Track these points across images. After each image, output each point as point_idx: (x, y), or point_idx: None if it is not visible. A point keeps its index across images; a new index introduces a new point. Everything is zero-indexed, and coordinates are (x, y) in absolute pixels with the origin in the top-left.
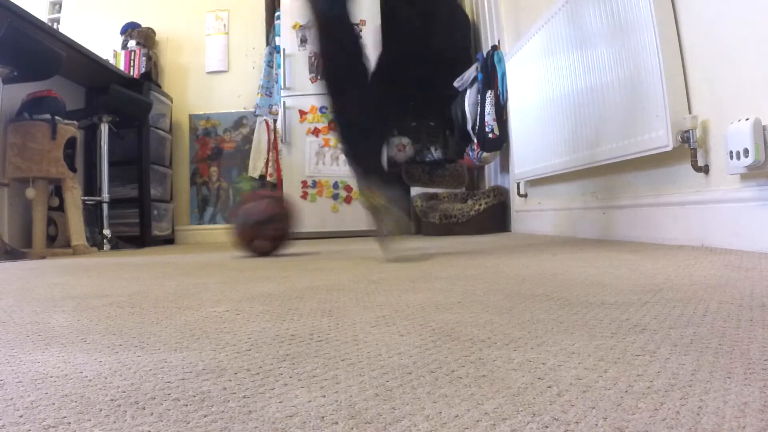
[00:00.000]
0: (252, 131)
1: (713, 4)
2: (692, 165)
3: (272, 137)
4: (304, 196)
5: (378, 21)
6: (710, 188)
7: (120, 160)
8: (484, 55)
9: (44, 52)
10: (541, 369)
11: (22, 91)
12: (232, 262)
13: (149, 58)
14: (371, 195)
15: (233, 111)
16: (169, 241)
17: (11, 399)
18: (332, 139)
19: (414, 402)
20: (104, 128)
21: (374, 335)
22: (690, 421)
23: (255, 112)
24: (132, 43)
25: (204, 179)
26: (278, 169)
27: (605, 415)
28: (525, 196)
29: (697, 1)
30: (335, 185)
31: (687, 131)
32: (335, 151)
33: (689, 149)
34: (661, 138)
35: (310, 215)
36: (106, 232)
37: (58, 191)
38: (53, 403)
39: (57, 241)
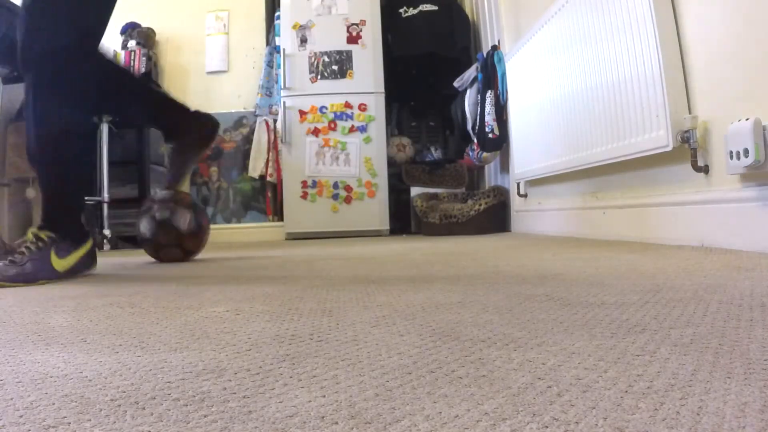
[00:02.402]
0: (252, 131)
1: (713, 4)
2: (692, 165)
3: (272, 137)
4: (304, 196)
5: (378, 21)
6: (710, 188)
7: (120, 160)
8: (484, 55)
9: None
10: (541, 369)
11: (22, 91)
12: (232, 262)
13: (149, 58)
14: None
15: (233, 111)
16: None
17: (11, 399)
18: (332, 139)
19: (414, 402)
20: (104, 128)
21: (374, 335)
22: (690, 421)
23: (255, 112)
24: (132, 43)
25: (204, 179)
26: (278, 169)
27: (605, 415)
28: (525, 196)
29: (697, 1)
30: (335, 185)
31: (687, 131)
32: (335, 151)
33: (689, 149)
34: (661, 138)
35: (310, 215)
36: (106, 232)
37: None
38: (53, 403)
39: None
